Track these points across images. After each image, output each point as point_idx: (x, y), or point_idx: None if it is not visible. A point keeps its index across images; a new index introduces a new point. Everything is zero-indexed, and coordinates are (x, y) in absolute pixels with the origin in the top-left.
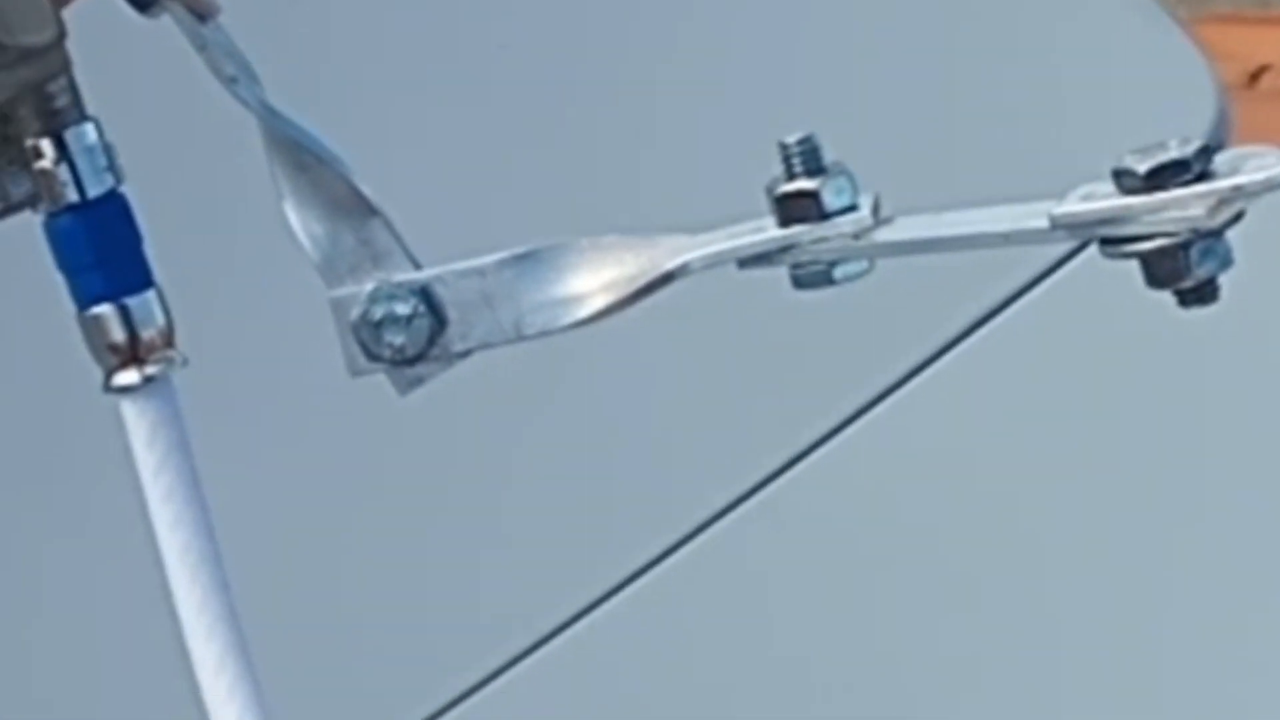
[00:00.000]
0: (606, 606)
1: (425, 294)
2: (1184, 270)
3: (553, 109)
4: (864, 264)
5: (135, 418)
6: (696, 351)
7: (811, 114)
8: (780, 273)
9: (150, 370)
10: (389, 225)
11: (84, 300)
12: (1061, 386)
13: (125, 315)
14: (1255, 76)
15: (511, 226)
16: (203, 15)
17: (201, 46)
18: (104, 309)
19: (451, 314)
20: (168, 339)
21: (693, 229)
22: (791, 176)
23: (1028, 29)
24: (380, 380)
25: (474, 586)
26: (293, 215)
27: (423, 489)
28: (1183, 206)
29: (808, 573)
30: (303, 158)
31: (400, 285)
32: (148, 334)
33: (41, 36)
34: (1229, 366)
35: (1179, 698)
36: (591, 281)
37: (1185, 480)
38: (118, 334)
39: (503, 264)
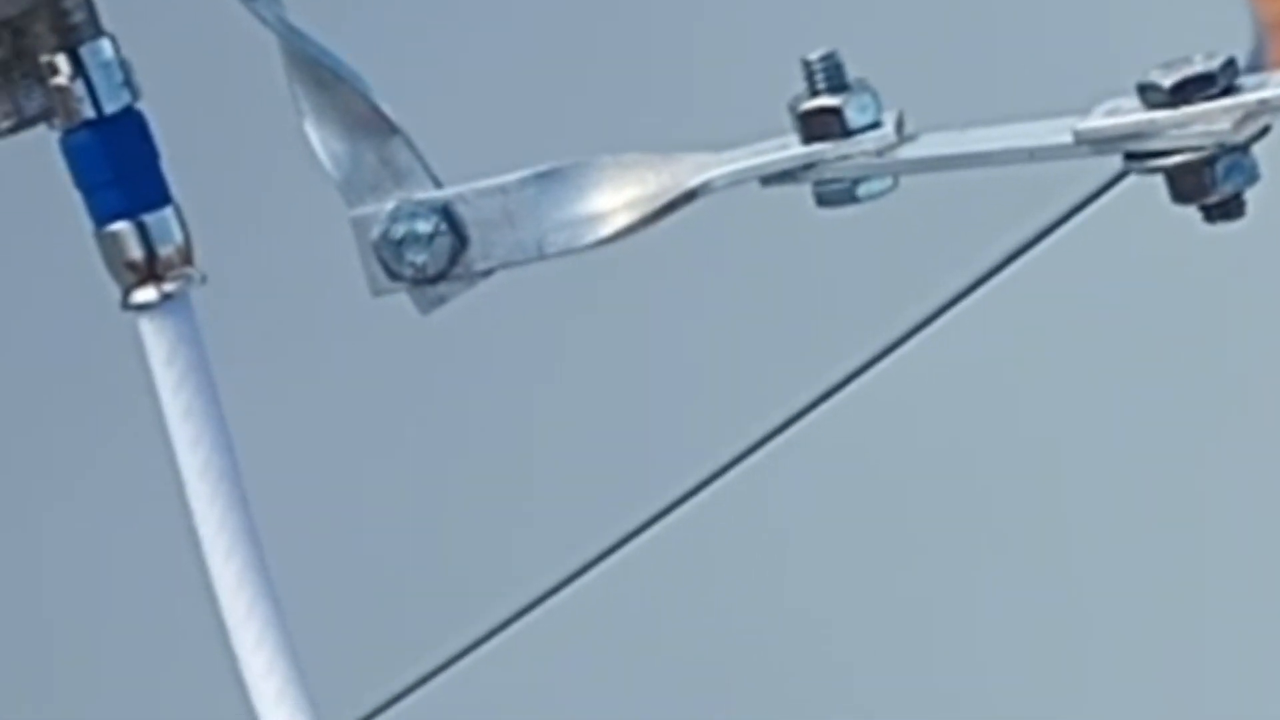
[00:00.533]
0: (615, 557)
1: (446, 212)
2: (1209, 185)
3: (576, 26)
4: (888, 181)
5: (154, 335)
6: (725, 284)
7: (835, 31)
8: (807, 197)
9: (168, 288)
10: (410, 143)
11: (101, 217)
12: (1098, 319)
13: (143, 232)
14: None
15: (534, 144)
16: None
17: None
18: (121, 226)
19: (473, 232)
20: (186, 256)
21: (716, 147)
22: (814, 93)
23: None
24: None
25: (495, 527)
26: (313, 134)
27: (443, 419)
28: (1208, 121)
29: (842, 505)
30: (322, 76)
31: (421, 203)
32: (165, 251)
33: None
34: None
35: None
36: (614, 199)
37: (1220, 422)
38: (135, 251)
39: (524, 182)
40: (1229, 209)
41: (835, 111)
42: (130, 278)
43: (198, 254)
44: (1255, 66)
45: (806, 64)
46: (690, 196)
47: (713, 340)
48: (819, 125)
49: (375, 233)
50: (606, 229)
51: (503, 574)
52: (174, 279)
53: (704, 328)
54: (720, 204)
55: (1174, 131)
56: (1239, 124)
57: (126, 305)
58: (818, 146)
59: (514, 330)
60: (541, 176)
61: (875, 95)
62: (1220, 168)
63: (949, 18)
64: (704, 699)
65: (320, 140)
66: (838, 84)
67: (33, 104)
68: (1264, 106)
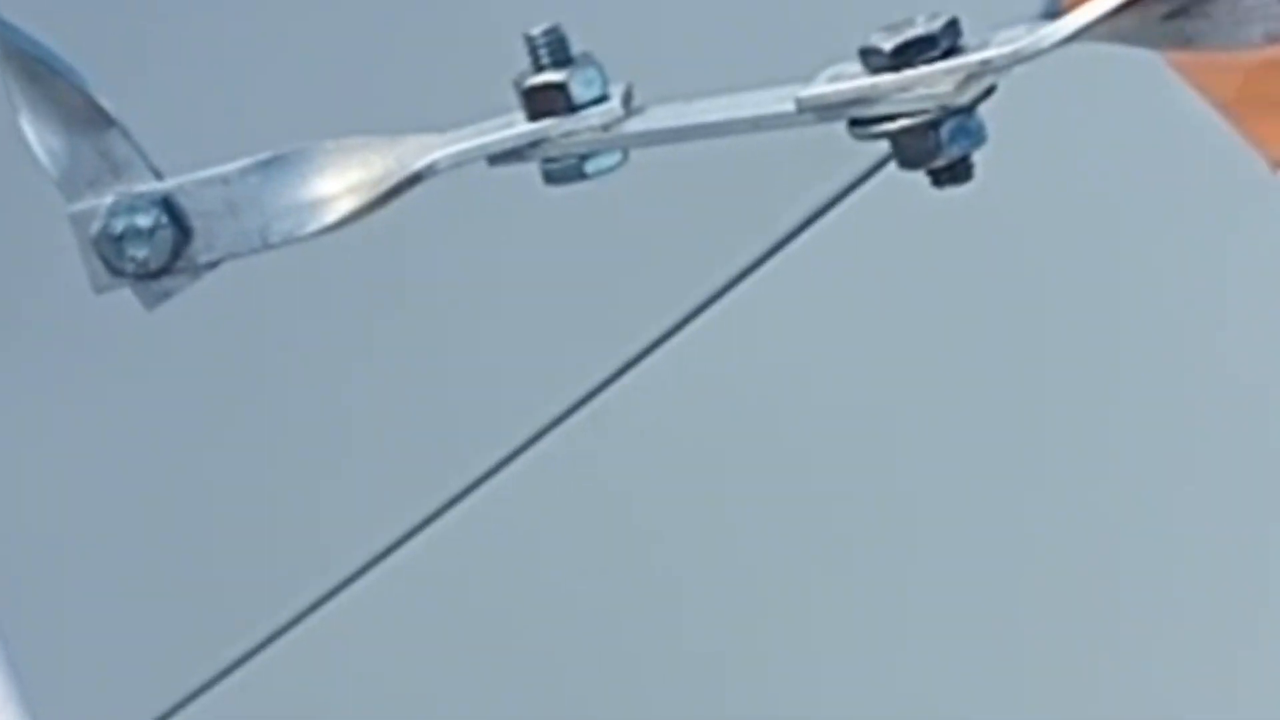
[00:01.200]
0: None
1: (167, 204)
2: (935, 149)
3: (296, 10)
4: (617, 156)
5: None
6: (518, 257)
7: (560, 5)
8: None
9: None
10: (127, 135)
11: None
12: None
13: None
14: None
15: (256, 132)
16: None
17: None
18: None
19: (196, 224)
20: None
21: (441, 127)
22: (539, 69)
23: None
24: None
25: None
26: (29, 129)
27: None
28: (930, 84)
29: (642, 480)
30: (36, 70)
31: (141, 196)
32: None
33: None
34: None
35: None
36: (337, 184)
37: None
38: None
39: (246, 171)
40: (956, 173)
41: (560, 87)
42: None
43: None
44: (1052, 11)
45: (529, 39)
46: (416, 179)
47: (509, 316)
48: (544, 101)
49: (94, 228)
50: (331, 215)
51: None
52: None
53: (496, 305)
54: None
55: (896, 96)
56: (961, 85)
57: None
58: (543, 123)
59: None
60: (263, 164)
61: (600, 69)
62: (945, 131)
63: None
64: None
65: (37, 136)
66: (562, 59)
67: None
68: (986, 67)
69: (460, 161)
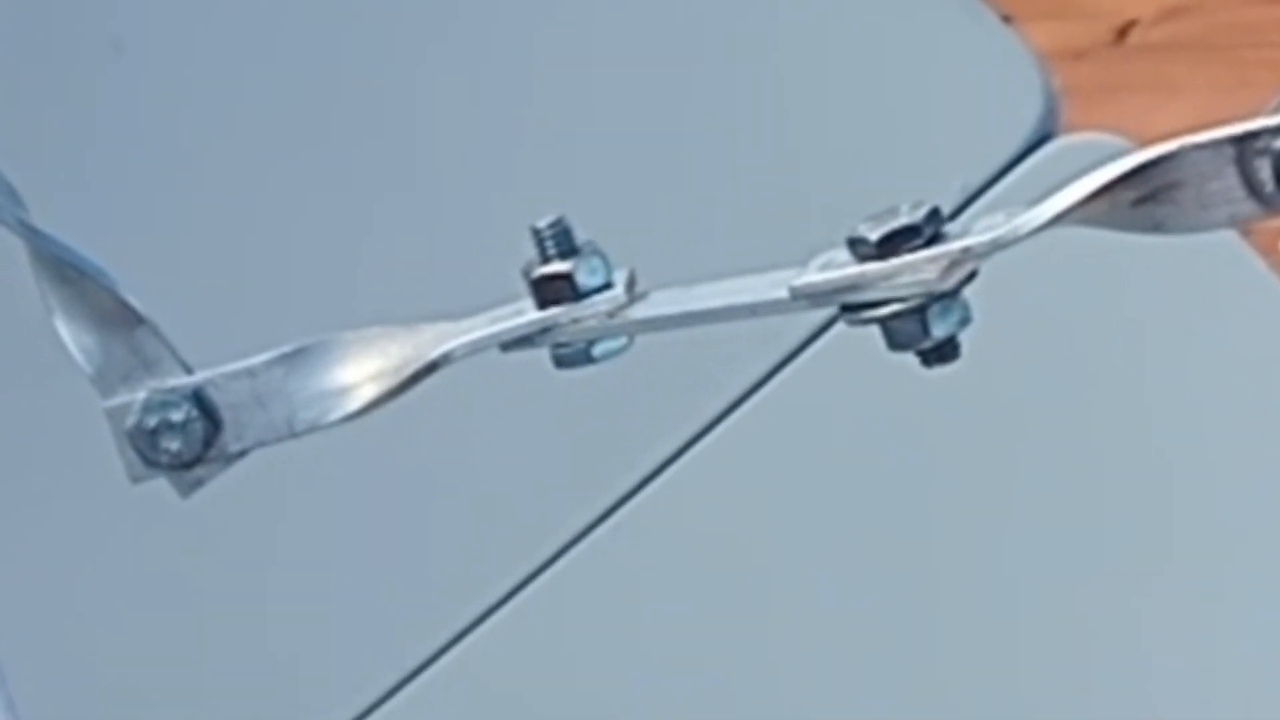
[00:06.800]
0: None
1: (198, 398)
2: (922, 333)
3: (310, 206)
4: (623, 340)
5: None
6: (462, 440)
7: (566, 193)
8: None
9: None
10: (157, 332)
11: None
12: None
13: None
14: (1122, 32)
15: (278, 323)
16: None
17: None
18: None
19: (225, 415)
20: None
21: (456, 315)
22: (546, 259)
23: (845, 42)
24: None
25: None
26: (63, 329)
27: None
28: (915, 271)
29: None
30: (67, 273)
31: (173, 391)
32: None
33: None
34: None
35: None
36: (358, 373)
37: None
38: None
39: (271, 363)
40: (944, 353)
41: (566, 277)
42: None
43: None
44: (1046, 134)
45: (536, 231)
46: (433, 367)
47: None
48: (552, 290)
49: (129, 423)
50: (354, 403)
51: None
52: None
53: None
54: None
55: (884, 283)
56: (945, 272)
57: None
58: (552, 311)
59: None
60: (287, 356)
61: (604, 257)
62: (931, 314)
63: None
64: None
65: (71, 334)
66: (567, 249)
67: None
68: (967, 255)
69: (475, 350)
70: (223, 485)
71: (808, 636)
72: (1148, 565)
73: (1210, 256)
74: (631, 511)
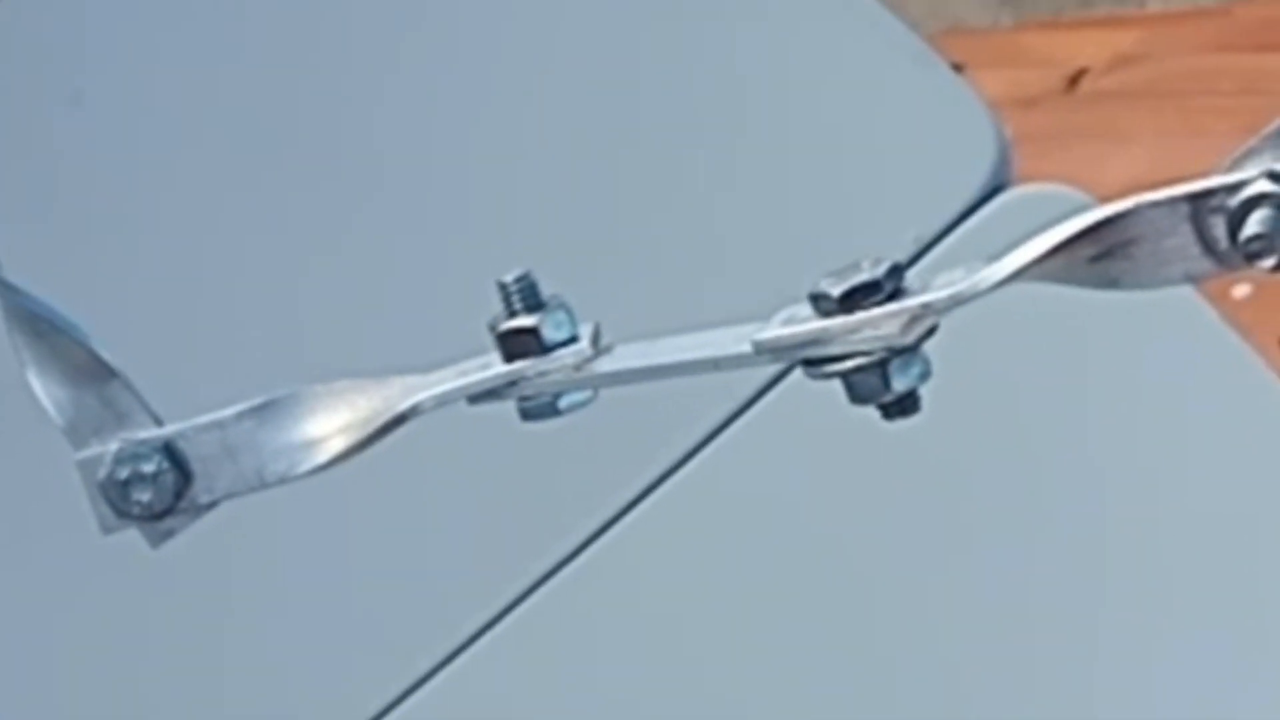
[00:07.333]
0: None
1: (169, 450)
2: (883, 387)
3: (277, 259)
4: (588, 393)
5: None
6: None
7: (532, 248)
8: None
9: None
10: (128, 385)
11: None
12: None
13: None
14: (1074, 80)
15: (248, 376)
16: None
17: None
18: None
19: (196, 467)
20: None
21: (423, 368)
22: (512, 314)
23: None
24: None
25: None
26: (36, 382)
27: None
28: (876, 326)
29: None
30: (40, 327)
31: (144, 443)
32: None
33: None
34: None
35: None
36: (327, 426)
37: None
38: None
39: (241, 415)
40: (905, 407)
41: (532, 331)
42: None
43: None
44: (1000, 183)
45: (502, 286)
46: (401, 420)
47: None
48: (518, 344)
49: (101, 474)
50: (323, 455)
51: None
52: None
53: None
54: None
55: (846, 338)
56: (906, 327)
57: None
58: (518, 365)
59: None
60: (257, 409)
61: (570, 311)
62: (892, 369)
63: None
64: None
65: (43, 387)
66: (533, 303)
67: None
68: (927, 310)
69: (442, 402)
70: None
71: (782, 669)
72: (1100, 617)
73: (1161, 304)
74: (629, 524)
